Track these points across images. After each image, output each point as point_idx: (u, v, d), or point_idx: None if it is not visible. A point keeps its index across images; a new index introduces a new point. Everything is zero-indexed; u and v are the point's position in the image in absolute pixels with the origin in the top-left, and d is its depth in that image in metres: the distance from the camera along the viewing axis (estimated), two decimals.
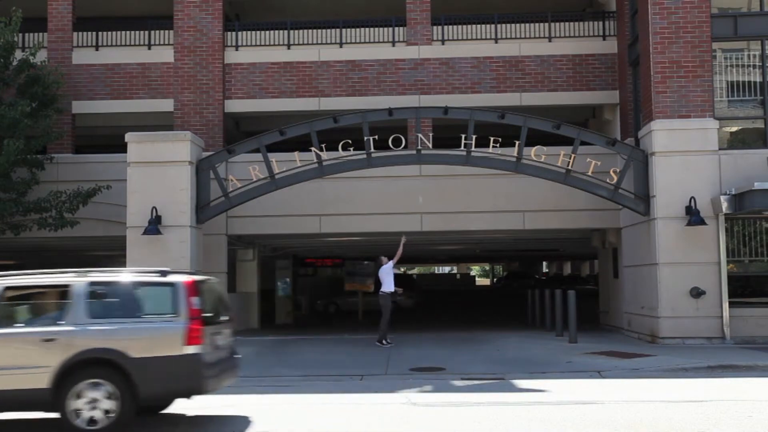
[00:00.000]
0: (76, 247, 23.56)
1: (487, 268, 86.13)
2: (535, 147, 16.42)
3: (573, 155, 16.31)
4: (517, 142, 16.39)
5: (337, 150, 16.30)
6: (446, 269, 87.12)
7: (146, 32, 20.15)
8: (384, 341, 16.42)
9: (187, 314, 8.31)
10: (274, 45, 19.86)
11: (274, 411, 9.48)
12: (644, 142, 16.87)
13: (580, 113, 21.38)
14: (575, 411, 9.10)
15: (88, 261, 29.57)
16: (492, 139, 16.22)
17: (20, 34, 19.05)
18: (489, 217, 18.96)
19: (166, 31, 20.00)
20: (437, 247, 36.05)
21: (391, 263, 16.96)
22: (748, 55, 17.06)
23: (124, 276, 8.88)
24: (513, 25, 19.77)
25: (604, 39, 19.56)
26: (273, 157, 16.89)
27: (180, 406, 9.41)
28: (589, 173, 16.42)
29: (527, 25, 19.78)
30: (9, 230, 17.85)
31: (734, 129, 17.20)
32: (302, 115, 18.95)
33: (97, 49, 20.03)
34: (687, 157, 16.12)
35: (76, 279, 8.60)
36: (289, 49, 19.78)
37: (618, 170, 16.60)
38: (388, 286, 16.73)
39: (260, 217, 18.72)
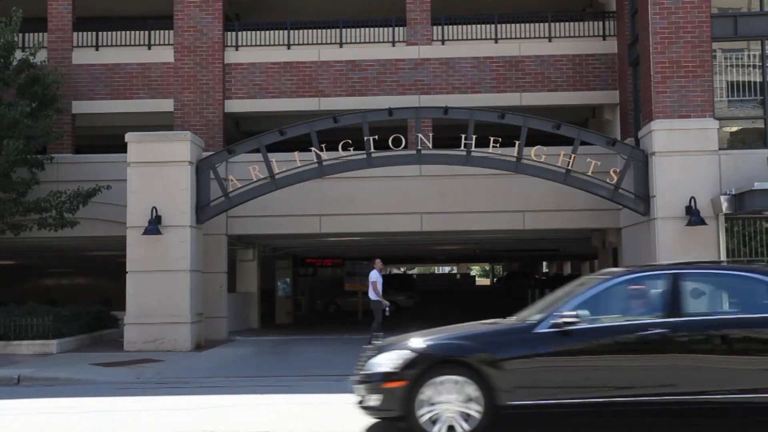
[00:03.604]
0: (77, 247, 23.57)
1: (487, 268, 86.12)
2: (535, 147, 16.41)
3: (573, 155, 16.30)
4: (517, 142, 16.38)
5: (337, 150, 16.29)
6: (446, 269, 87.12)
7: (146, 32, 20.15)
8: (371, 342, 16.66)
9: None
10: (274, 45, 19.86)
11: (274, 411, 9.48)
12: (644, 142, 16.86)
13: (580, 113, 21.38)
14: None
15: (88, 261, 29.62)
16: (492, 139, 16.21)
17: (20, 34, 19.04)
18: (489, 217, 18.96)
19: (166, 31, 20.00)
20: (437, 247, 36.03)
21: (380, 276, 17.18)
22: (748, 55, 17.06)
23: None
24: (513, 25, 19.78)
25: (604, 39, 19.56)
26: (273, 157, 16.88)
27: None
28: (589, 173, 16.41)
29: (527, 25, 19.78)
30: (9, 230, 17.85)
31: (734, 129, 17.19)
32: (302, 115, 18.94)
33: (97, 49, 20.03)
34: (687, 157, 16.11)
35: None
36: (289, 49, 19.78)
37: (618, 170, 16.59)
38: (373, 294, 17.03)
39: (260, 217, 18.72)
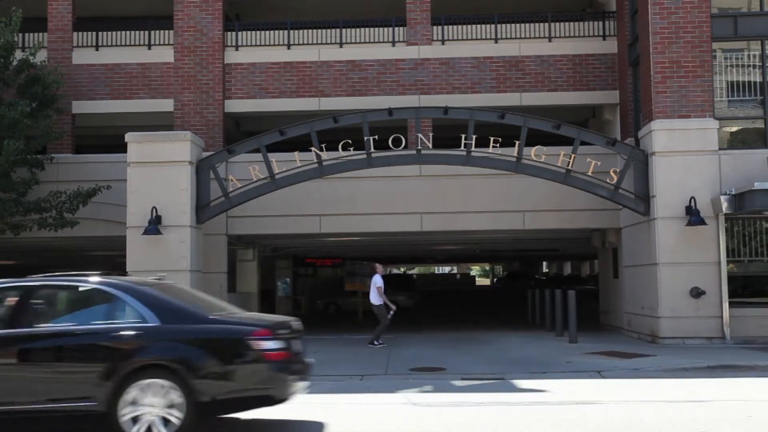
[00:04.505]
0: (76, 247, 23.56)
1: (487, 268, 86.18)
2: (535, 147, 16.42)
3: (573, 155, 16.31)
4: (517, 142, 16.39)
5: (337, 150, 16.30)
6: (446, 269, 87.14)
7: (146, 32, 20.15)
8: (375, 342, 16.67)
9: None
10: (274, 45, 19.86)
11: (273, 411, 9.46)
12: (644, 142, 16.87)
13: (580, 113, 21.39)
14: (575, 411, 9.11)
15: (88, 261, 29.61)
16: (492, 139, 16.22)
17: (20, 34, 19.05)
18: (489, 217, 18.96)
19: (166, 31, 20.00)
20: (437, 247, 36.04)
21: (381, 280, 17.16)
22: (748, 55, 17.06)
23: None
24: (513, 25, 19.78)
25: (604, 39, 19.56)
26: (273, 157, 16.89)
27: None
28: (589, 173, 16.42)
29: (527, 25, 19.79)
30: (9, 230, 17.86)
31: (734, 129, 17.20)
32: (302, 115, 18.95)
33: (97, 49, 20.03)
34: (687, 157, 16.13)
35: None
36: (289, 49, 19.78)
37: (618, 170, 16.60)
38: (377, 298, 16.99)
39: (260, 217, 18.72)
